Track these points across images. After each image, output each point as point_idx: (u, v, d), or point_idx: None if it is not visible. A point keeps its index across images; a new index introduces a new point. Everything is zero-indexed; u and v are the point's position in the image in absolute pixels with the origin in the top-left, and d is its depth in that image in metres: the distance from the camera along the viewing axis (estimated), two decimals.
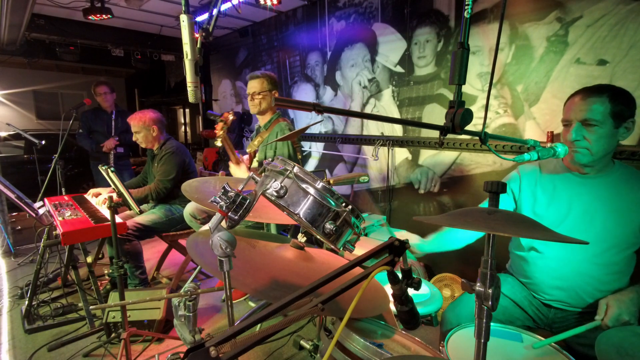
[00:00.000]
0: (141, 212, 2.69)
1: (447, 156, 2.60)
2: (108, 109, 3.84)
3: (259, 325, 1.85)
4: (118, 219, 2.19)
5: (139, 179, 3.09)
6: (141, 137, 2.80)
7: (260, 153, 2.48)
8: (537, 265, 1.41)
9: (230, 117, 2.28)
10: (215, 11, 1.82)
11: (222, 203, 0.83)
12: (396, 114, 2.89)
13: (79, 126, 3.98)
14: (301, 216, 0.86)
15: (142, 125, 2.75)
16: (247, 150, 2.57)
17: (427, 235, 1.50)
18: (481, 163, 2.43)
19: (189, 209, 2.55)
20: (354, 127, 3.31)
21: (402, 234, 1.49)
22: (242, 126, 4.77)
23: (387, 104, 2.97)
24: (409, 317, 0.95)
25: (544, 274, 1.40)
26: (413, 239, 1.47)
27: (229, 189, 0.83)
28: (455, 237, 1.50)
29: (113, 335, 2.09)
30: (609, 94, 1.22)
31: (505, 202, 1.49)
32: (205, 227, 1.91)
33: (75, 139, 4.05)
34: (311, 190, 0.87)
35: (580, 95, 1.27)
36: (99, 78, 6.79)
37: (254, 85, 2.45)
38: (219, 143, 2.29)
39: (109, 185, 2.21)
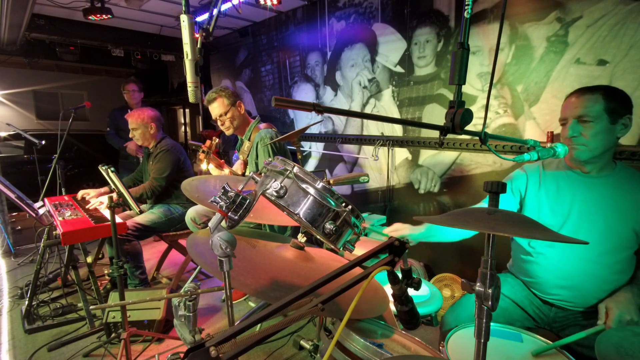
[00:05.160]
0: (141, 212, 2.69)
1: (447, 156, 2.60)
2: (133, 107, 3.73)
3: (259, 325, 1.85)
4: (118, 219, 2.19)
5: (129, 179, 3.08)
6: (138, 134, 2.80)
7: (249, 166, 2.46)
8: (541, 265, 1.41)
9: (214, 142, 2.26)
10: (215, 11, 1.83)
11: (222, 203, 0.83)
12: (396, 114, 2.89)
13: (107, 124, 3.98)
14: (301, 216, 0.86)
15: (140, 123, 2.76)
16: (240, 157, 2.56)
17: (419, 226, 1.48)
18: (481, 163, 2.43)
19: (191, 213, 2.54)
20: (354, 127, 3.31)
21: (394, 227, 1.46)
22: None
23: (387, 104, 2.97)
24: (409, 317, 0.95)
25: (547, 273, 1.40)
26: (405, 229, 1.45)
27: (229, 189, 0.83)
28: (447, 229, 1.48)
29: (113, 335, 2.09)
30: (603, 91, 1.27)
31: (508, 202, 1.48)
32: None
33: (106, 138, 4.01)
34: (311, 190, 0.87)
35: (575, 95, 1.33)
36: (99, 78, 6.79)
37: (215, 107, 2.35)
38: (204, 166, 2.28)
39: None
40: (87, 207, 2.53)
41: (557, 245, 1.36)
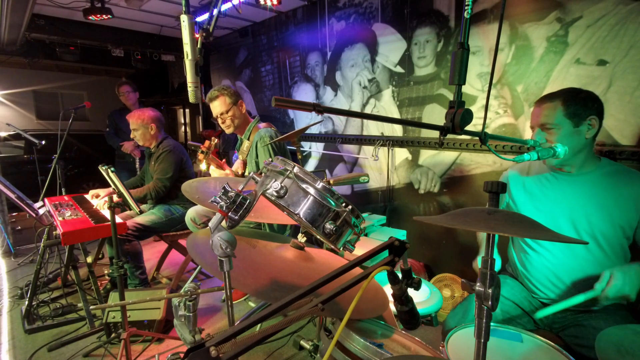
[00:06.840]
0: (141, 212, 2.69)
1: (447, 156, 2.60)
2: (131, 107, 3.83)
3: (259, 325, 1.85)
4: (118, 219, 2.19)
5: (137, 179, 3.09)
6: (139, 135, 2.80)
7: (249, 166, 2.47)
8: (533, 265, 1.43)
9: (213, 142, 2.28)
10: (215, 11, 1.82)
11: (222, 203, 0.83)
12: (396, 114, 2.89)
13: (106, 124, 4.05)
14: (301, 216, 0.86)
15: (140, 123, 2.76)
16: (239, 157, 2.56)
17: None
18: (481, 163, 2.43)
19: (191, 213, 2.54)
20: (354, 127, 3.31)
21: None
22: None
23: (387, 104, 2.97)
24: (409, 317, 0.95)
25: (539, 272, 1.41)
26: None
27: (229, 189, 0.84)
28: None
29: (113, 335, 2.09)
30: (562, 98, 1.30)
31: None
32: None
33: (105, 138, 4.07)
34: (311, 190, 0.87)
35: (537, 104, 1.37)
36: (99, 78, 6.80)
37: (217, 105, 2.36)
38: (203, 166, 2.30)
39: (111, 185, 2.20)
40: (94, 207, 2.52)
41: (546, 244, 1.38)
